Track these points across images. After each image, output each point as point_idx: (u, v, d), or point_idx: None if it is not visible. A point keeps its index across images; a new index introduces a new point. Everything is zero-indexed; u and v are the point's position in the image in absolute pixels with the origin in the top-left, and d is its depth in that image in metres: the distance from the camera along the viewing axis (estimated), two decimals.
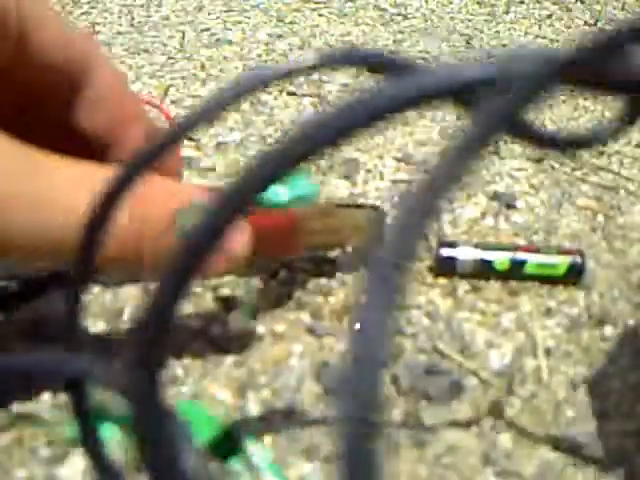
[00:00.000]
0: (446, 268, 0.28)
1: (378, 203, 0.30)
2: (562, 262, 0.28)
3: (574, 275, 0.28)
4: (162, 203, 0.18)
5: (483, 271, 0.28)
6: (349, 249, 0.27)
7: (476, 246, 0.28)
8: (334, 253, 0.27)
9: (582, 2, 0.72)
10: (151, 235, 0.18)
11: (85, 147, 0.22)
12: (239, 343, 0.24)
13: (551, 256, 0.28)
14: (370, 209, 0.28)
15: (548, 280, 0.28)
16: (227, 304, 0.26)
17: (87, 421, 0.12)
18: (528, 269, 0.27)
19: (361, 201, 0.31)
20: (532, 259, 0.28)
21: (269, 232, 0.23)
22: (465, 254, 0.28)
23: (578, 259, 0.28)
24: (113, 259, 0.17)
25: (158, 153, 0.11)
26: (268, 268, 0.27)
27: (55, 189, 0.17)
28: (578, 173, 0.37)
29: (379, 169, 0.36)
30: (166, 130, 0.12)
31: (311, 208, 0.26)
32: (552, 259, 0.28)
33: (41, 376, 0.13)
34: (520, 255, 0.28)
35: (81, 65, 0.22)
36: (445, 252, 0.28)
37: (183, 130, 0.11)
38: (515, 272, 0.27)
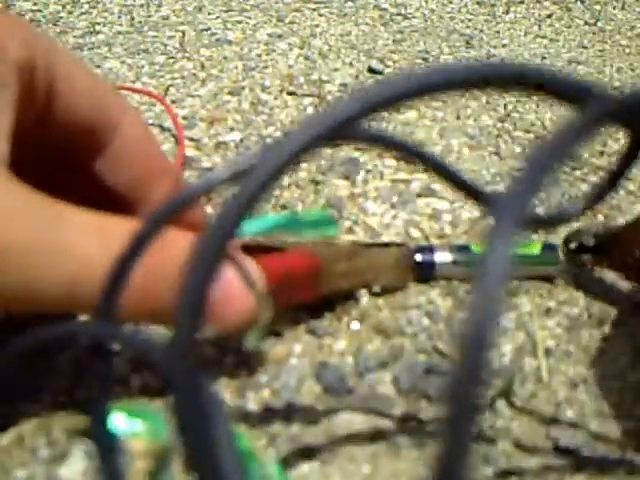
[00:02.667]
0: (425, 274, 0.28)
1: (403, 242, 0.30)
2: (536, 242, 0.29)
3: (551, 254, 0.28)
4: (173, 257, 0.18)
5: (462, 263, 0.27)
6: (375, 289, 0.27)
7: (452, 249, 0.28)
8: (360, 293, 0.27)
9: (582, 2, 0.72)
10: (162, 288, 0.17)
11: (111, 203, 0.22)
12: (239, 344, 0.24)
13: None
14: (396, 248, 0.28)
15: (528, 262, 0.28)
16: None
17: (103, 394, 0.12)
18: None
19: (386, 240, 0.31)
20: None
21: (289, 278, 0.22)
22: (443, 257, 0.28)
23: (552, 243, 0.29)
24: (129, 310, 0.17)
25: (178, 210, 0.12)
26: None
27: (74, 239, 0.17)
28: (578, 173, 0.37)
29: (379, 169, 0.36)
30: (188, 188, 0.12)
31: (336, 250, 0.25)
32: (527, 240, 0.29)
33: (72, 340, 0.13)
34: None
35: (108, 121, 0.22)
36: (420, 258, 0.28)
37: (206, 190, 0.12)
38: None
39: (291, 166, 0.09)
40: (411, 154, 0.14)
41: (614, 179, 0.14)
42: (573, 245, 0.28)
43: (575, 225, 0.32)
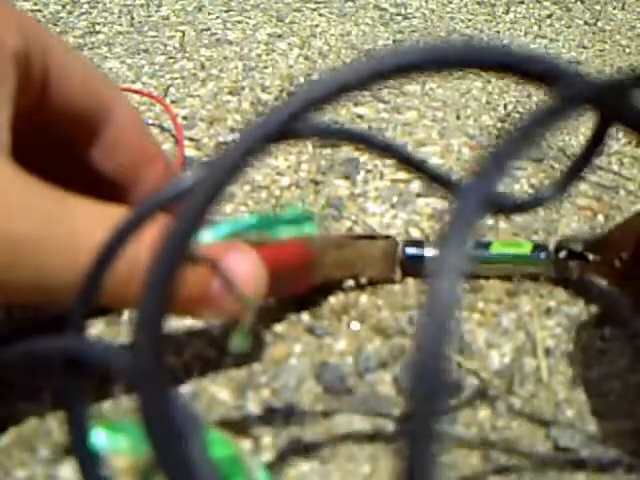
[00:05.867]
0: (414, 268, 0.28)
1: (391, 234, 0.30)
2: (527, 242, 0.28)
3: (542, 255, 0.28)
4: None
5: None
6: (362, 280, 0.27)
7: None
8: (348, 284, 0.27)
9: (582, 2, 0.72)
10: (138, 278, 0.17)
11: (104, 188, 0.22)
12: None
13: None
14: (383, 239, 0.28)
15: (519, 262, 0.28)
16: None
17: (79, 415, 0.12)
18: (494, 248, 0.27)
19: (374, 232, 0.31)
20: (497, 240, 0.28)
21: (284, 269, 0.22)
22: (433, 252, 0.28)
23: (543, 243, 0.28)
24: (108, 298, 0.17)
25: (168, 201, 0.12)
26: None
27: (84, 230, 0.17)
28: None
29: (379, 169, 0.36)
30: (180, 178, 0.12)
31: (324, 242, 0.25)
32: (517, 239, 0.29)
33: (41, 357, 0.13)
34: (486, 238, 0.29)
35: (101, 107, 0.22)
36: (411, 251, 0.28)
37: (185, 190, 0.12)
38: (482, 252, 0.27)
39: (240, 170, 0.09)
40: (365, 142, 0.14)
41: (581, 164, 0.14)
42: (563, 253, 0.27)
43: (583, 225, 0.32)
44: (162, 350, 0.09)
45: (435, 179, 0.15)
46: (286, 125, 0.09)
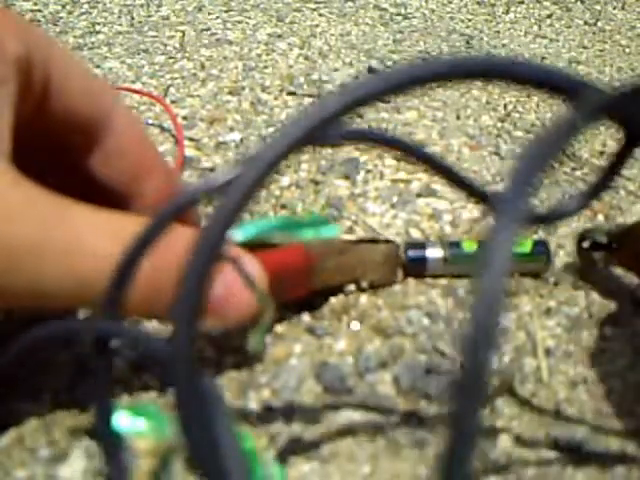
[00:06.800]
0: (416, 270, 0.28)
1: (392, 238, 0.30)
2: (527, 240, 0.28)
3: (542, 253, 0.28)
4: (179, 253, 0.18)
5: (453, 259, 0.27)
6: (363, 284, 0.27)
7: (443, 245, 0.28)
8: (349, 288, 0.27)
9: (582, 2, 0.72)
10: (167, 284, 0.18)
11: (104, 197, 0.22)
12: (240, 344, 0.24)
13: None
14: (384, 244, 0.28)
15: (519, 259, 0.28)
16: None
17: (105, 397, 0.13)
18: None
19: (375, 236, 0.31)
20: None
21: (284, 273, 0.22)
22: (434, 253, 0.28)
23: (543, 240, 0.29)
24: (135, 306, 0.17)
25: (184, 208, 0.12)
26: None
27: (82, 235, 0.18)
28: (578, 173, 0.37)
29: (379, 169, 0.36)
30: (193, 187, 0.12)
31: (325, 247, 0.26)
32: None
33: (74, 337, 0.13)
34: None
35: (101, 116, 0.22)
36: (413, 254, 0.28)
37: (210, 190, 0.12)
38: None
39: (278, 166, 0.09)
40: (392, 147, 0.14)
41: (609, 176, 0.14)
42: (586, 243, 0.28)
43: (583, 224, 0.32)
44: (195, 338, 0.09)
45: (468, 189, 0.15)
46: (322, 128, 0.09)
